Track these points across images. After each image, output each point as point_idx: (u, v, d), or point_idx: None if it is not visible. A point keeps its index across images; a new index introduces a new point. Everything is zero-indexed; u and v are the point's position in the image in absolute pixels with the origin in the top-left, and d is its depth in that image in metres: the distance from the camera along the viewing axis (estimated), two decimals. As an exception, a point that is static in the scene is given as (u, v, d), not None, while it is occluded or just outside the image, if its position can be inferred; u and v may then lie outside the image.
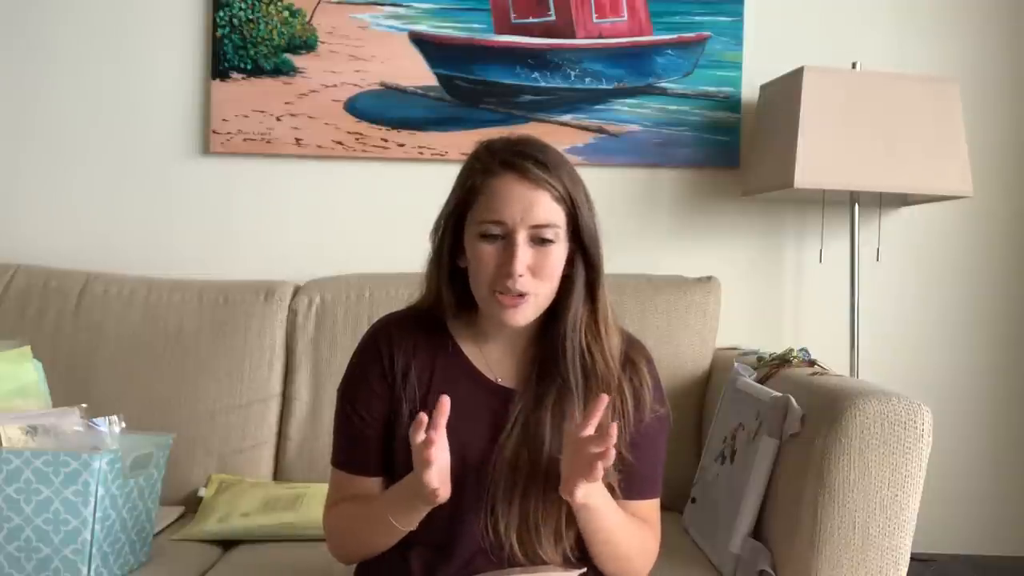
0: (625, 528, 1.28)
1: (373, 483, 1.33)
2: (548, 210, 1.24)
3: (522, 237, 1.23)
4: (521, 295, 1.23)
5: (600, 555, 1.28)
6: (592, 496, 1.20)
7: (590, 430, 1.17)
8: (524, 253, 1.22)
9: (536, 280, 1.24)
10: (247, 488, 1.94)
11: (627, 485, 1.30)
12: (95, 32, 2.35)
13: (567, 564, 1.27)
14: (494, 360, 1.33)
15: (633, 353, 1.32)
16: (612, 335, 1.30)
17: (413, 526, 1.24)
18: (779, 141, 2.11)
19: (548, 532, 1.25)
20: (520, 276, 1.22)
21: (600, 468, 1.14)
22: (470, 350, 1.33)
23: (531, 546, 1.25)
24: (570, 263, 1.28)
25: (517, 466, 1.26)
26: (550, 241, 1.24)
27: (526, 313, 1.25)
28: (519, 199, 1.23)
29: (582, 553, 1.29)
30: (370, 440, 1.32)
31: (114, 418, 1.53)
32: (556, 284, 1.27)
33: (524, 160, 1.24)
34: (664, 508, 1.91)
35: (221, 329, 2.10)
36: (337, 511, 1.34)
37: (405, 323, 1.34)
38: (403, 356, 1.31)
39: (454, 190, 1.30)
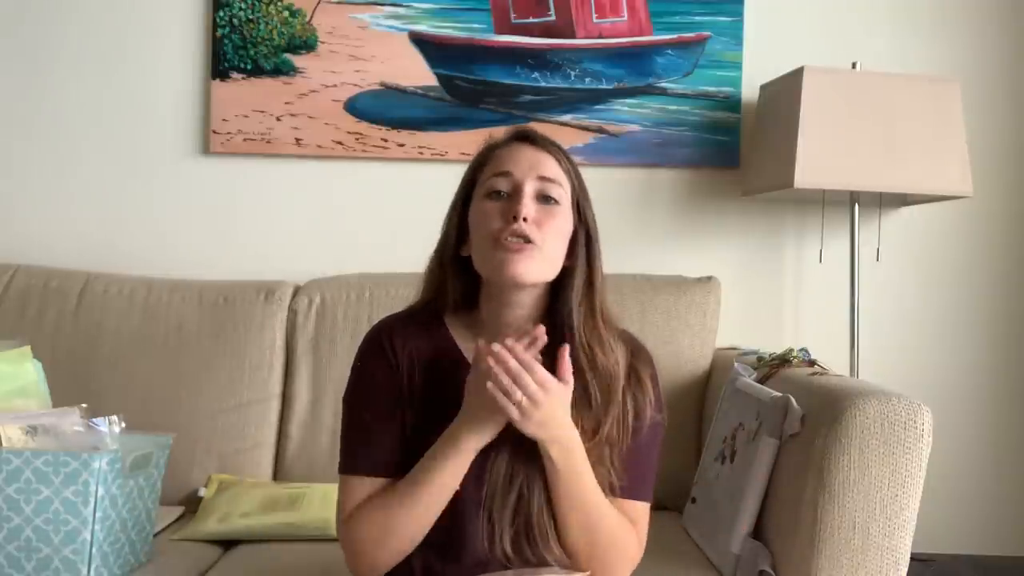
0: (601, 508, 1.24)
1: (389, 484, 1.28)
2: (555, 170, 1.28)
3: (529, 187, 1.25)
4: (527, 242, 1.22)
5: (570, 531, 1.24)
6: (558, 446, 1.20)
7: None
8: (531, 201, 1.24)
9: (541, 232, 1.23)
10: (247, 488, 1.94)
11: (617, 481, 1.28)
12: (95, 32, 2.35)
13: (569, 565, 1.26)
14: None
15: (639, 365, 1.31)
16: (611, 328, 1.29)
17: (457, 482, 1.21)
18: (779, 141, 2.11)
19: (547, 534, 1.24)
20: (526, 219, 1.22)
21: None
22: (470, 351, 1.31)
23: (530, 548, 1.24)
24: (570, 254, 1.28)
25: (515, 468, 1.25)
26: (555, 201, 1.26)
27: (529, 264, 1.22)
28: (528, 156, 1.28)
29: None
30: (385, 436, 1.28)
31: (114, 418, 1.53)
32: (560, 252, 1.26)
33: (531, 132, 1.31)
34: (664, 508, 1.93)
35: (221, 329, 2.10)
36: (362, 515, 1.26)
37: (404, 324, 1.33)
38: (407, 355, 1.29)
39: (463, 178, 1.33)
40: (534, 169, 1.26)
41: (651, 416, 1.29)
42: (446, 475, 1.22)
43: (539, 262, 1.24)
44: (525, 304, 1.28)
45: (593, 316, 1.28)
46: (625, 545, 1.29)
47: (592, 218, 1.31)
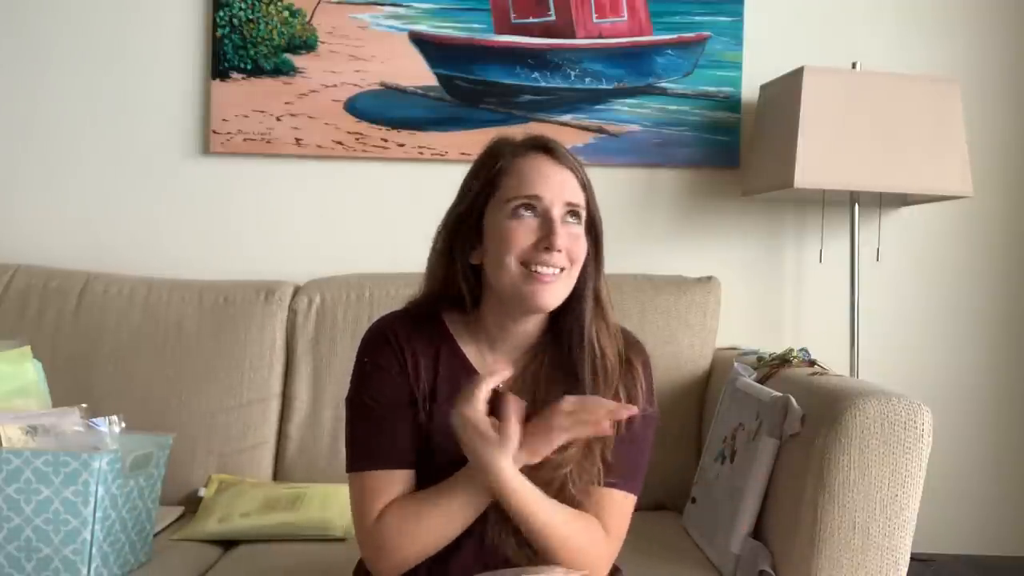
0: (559, 511, 1.22)
1: (410, 477, 1.26)
2: (577, 191, 1.27)
3: (558, 213, 1.24)
4: (560, 270, 1.23)
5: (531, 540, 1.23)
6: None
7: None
8: (562, 229, 1.23)
9: (571, 261, 1.24)
10: (247, 488, 1.94)
11: (604, 474, 1.26)
12: (95, 32, 2.35)
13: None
14: (497, 365, 1.30)
15: (632, 354, 1.31)
16: (615, 333, 1.30)
17: (490, 498, 1.20)
18: (779, 141, 2.11)
19: None
20: (559, 251, 1.22)
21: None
22: (472, 353, 1.31)
23: (531, 547, 1.24)
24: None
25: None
26: (578, 223, 1.26)
27: (557, 292, 1.24)
28: (554, 176, 1.25)
29: None
30: (401, 428, 1.26)
31: (114, 418, 1.53)
32: (578, 273, 1.27)
33: (551, 143, 1.29)
34: (664, 508, 1.93)
35: (221, 329, 2.09)
36: (394, 510, 1.23)
37: (404, 322, 1.31)
38: (411, 353, 1.28)
39: (474, 179, 1.29)
40: (562, 194, 1.24)
41: (643, 408, 1.28)
42: (474, 493, 1.21)
43: (564, 289, 1.25)
44: (538, 319, 1.29)
45: (605, 319, 1.29)
46: (593, 535, 1.25)
47: (600, 226, 1.30)
